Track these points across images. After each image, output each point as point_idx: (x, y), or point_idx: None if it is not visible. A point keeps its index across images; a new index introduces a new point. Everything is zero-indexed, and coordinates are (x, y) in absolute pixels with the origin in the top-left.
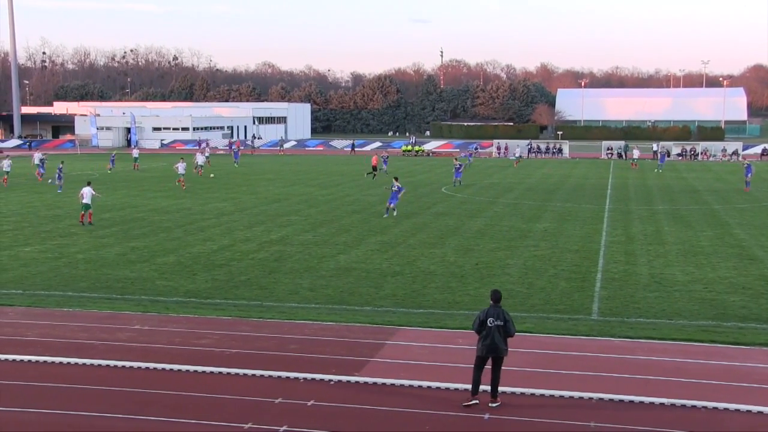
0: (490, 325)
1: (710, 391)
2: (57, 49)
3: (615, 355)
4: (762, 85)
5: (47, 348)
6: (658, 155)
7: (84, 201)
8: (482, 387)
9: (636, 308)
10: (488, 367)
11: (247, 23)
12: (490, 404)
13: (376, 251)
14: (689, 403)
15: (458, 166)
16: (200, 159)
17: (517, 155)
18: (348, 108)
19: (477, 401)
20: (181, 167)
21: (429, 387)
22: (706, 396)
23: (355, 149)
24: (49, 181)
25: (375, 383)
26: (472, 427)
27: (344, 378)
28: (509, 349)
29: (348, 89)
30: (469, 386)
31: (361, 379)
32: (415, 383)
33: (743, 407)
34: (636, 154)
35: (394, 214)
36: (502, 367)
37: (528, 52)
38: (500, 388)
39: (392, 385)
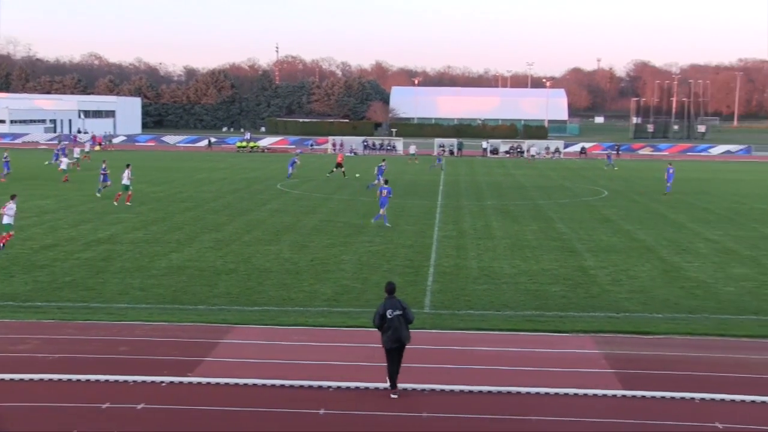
0: (390, 316)
1: (529, 377)
2: None
3: (446, 346)
4: (580, 87)
5: None
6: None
7: (123, 182)
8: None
9: (466, 300)
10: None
11: (71, 11)
12: (391, 396)
13: (209, 249)
14: (515, 389)
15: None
16: (76, 152)
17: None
18: (181, 103)
19: (396, 395)
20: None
21: (264, 385)
22: (523, 382)
23: (212, 146)
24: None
25: (209, 383)
26: (307, 427)
27: (176, 379)
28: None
29: (181, 83)
30: (304, 382)
31: (195, 380)
32: (250, 381)
33: (553, 390)
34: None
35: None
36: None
37: (363, 49)
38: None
39: (226, 384)
